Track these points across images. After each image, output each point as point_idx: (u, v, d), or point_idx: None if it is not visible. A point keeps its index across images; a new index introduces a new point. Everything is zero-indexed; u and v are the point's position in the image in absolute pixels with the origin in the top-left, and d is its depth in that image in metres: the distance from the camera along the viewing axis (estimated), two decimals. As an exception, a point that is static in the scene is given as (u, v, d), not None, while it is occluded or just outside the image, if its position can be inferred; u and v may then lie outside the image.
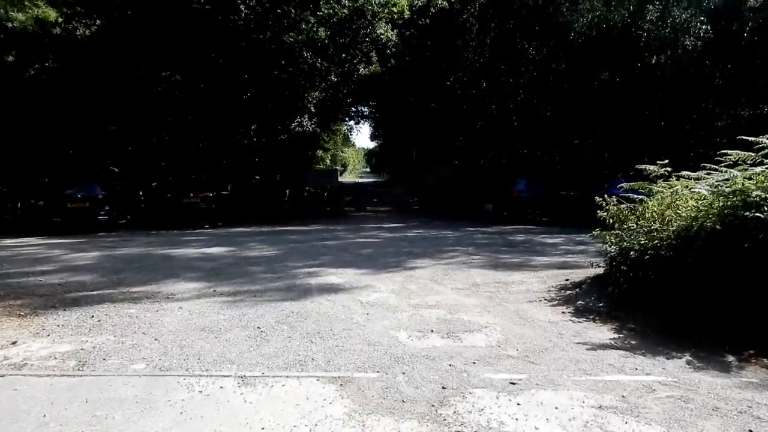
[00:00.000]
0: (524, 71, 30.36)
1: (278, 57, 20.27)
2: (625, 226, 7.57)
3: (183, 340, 5.84)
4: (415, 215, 27.14)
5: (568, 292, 8.13)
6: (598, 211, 8.12)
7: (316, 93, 21.17)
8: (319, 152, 73.67)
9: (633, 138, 24.02)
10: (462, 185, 37.27)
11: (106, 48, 21.65)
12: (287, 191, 28.26)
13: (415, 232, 17.78)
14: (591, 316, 6.87)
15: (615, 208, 7.99)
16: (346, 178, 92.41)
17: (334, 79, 21.89)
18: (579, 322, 6.67)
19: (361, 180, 77.55)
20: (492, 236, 16.33)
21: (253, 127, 26.11)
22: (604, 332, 6.22)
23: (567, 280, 8.91)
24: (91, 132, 21.75)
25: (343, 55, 20.76)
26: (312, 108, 21.04)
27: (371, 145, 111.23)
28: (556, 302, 7.65)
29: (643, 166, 8.14)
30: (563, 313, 7.09)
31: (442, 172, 36.72)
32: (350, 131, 79.04)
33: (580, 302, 7.48)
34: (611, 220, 7.93)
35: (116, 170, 26.24)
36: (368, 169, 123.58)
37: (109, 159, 25.83)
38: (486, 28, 30.21)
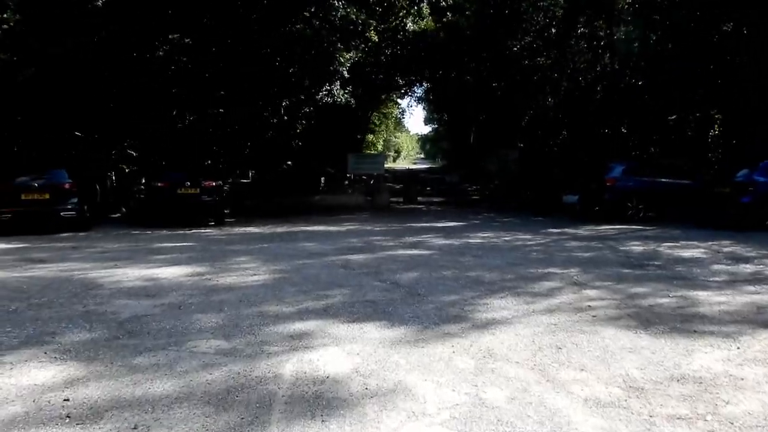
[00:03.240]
0: (608, 31, 24.82)
1: (301, 6, 15.68)
2: None
3: None
4: (475, 208, 22.17)
5: None
6: None
7: (350, 54, 16.46)
8: (370, 136, 69.37)
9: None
10: (530, 171, 32.08)
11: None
12: (322, 179, 23.78)
13: (480, 236, 12.91)
14: None
15: None
16: (400, 164, 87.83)
17: (374, 36, 17.12)
18: None
19: (414, 166, 72.58)
20: (592, 244, 11.32)
21: (284, 102, 21.67)
22: None
23: None
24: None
25: (386, 3, 15.96)
26: (345, 72, 16.32)
27: (426, 129, 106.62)
28: None
29: None
30: None
31: (505, 156, 31.52)
32: (402, 114, 74.26)
33: None
34: None
35: (134, 154, 22.30)
36: (422, 155, 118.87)
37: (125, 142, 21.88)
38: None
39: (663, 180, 16.23)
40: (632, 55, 22.34)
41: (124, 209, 18.28)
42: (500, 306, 6.36)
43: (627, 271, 8.41)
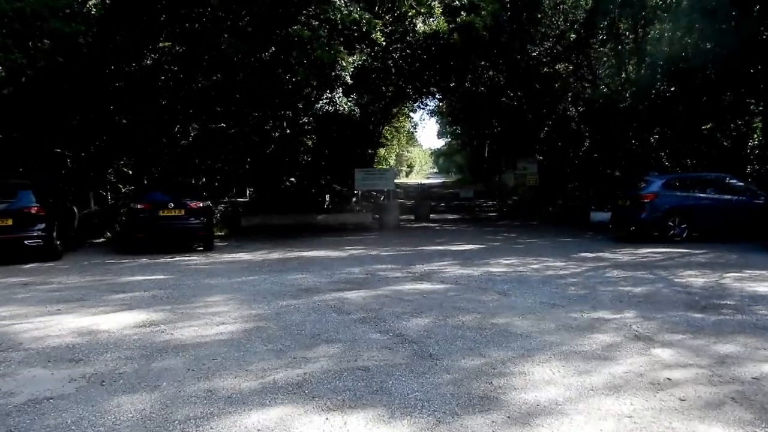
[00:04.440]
0: (635, 34, 22.99)
1: (299, 6, 14.07)
2: None
3: None
4: (493, 227, 20.32)
5: None
6: None
7: (354, 57, 14.78)
8: (382, 151, 67.62)
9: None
10: (550, 186, 30.23)
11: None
12: (327, 196, 22.08)
13: (502, 263, 11.09)
14: None
15: None
16: (413, 178, 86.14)
17: (380, 39, 15.45)
18: None
19: (427, 181, 70.73)
20: (639, 275, 9.46)
21: (287, 113, 20.05)
22: None
23: None
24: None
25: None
26: (348, 78, 14.63)
27: (439, 143, 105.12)
28: None
29: None
30: None
31: (523, 169, 29.71)
32: (414, 128, 72.63)
33: None
34: None
35: (129, 172, 20.76)
36: (435, 170, 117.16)
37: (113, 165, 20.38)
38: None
39: (711, 196, 14.29)
40: (664, 59, 20.46)
41: (109, 234, 16.68)
42: (543, 378, 4.57)
43: (698, 315, 6.57)
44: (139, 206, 13.27)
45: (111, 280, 9.58)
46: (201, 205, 13.71)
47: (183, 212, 13.42)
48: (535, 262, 11.12)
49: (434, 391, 4.32)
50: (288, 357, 5.18)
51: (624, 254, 12.16)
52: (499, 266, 10.54)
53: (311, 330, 6.12)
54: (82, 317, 6.80)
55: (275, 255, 12.83)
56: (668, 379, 4.52)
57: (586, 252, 12.56)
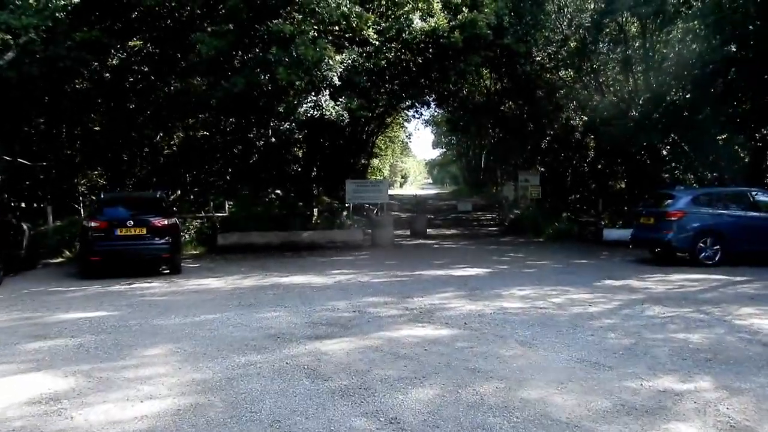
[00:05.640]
0: (657, 34, 21.42)
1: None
2: None
3: None
4: (496, 245, 18.58)
5: None
6: None
7: (343, 56, 13.09)
8: (375, 161, 65.96)
9: None
10: (554, 199, 28.58)
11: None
12: (315, 210, 20.30)
13: (517, 294, 9.33)
14: None
15: None
16: (407, 189, 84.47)
17: (373, 36, 13.78)
18: None
19: (422, 192, 69.00)
20: (685, 313, 7.74)
21: (271, 122, 18.37)
22: None
23: None
24: None
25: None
26: (336, 79, 12.92)
27: (434, 154, 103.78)
28: None
29: None
30: None
31: (524, 181, 28.04)
32: (409, 138, 71.08)
33: None
34: None
35: (104, 183, 18.98)
36: (430, 180, 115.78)
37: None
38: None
39: (747, 214, 12.59)
40: (681, 63, 18.91)
41: (68, 253, 14.88)
42: None
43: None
44: (92, 224, 11.45)
45: (39, 319, 7.79)
46: (166, 222, 11.90)
47: (144, 231, 11.60)
48: (554, 293, 9.38)
49: None
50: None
51: (655, 282, 10.46)
52: (514, 300, 8.80)
53: (271, 410, 4.37)
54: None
55: (249, 282, 11.04)
56: None
57: (609, 279, 10.84)
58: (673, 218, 12.65)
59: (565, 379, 5.01)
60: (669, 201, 13.14)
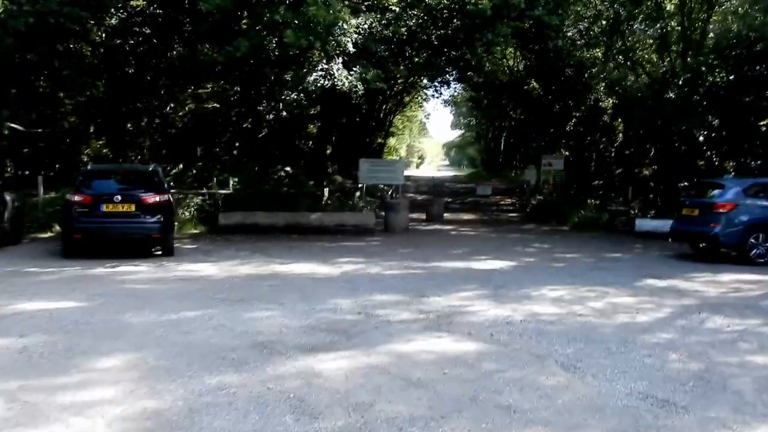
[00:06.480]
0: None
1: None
2: None
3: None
4: (519, 233, 17.32)
5: None
6: None
7: (359, 20, 11.77)
8: (392, 141, 64.55)
9: None
10: (579, 184, 27.24)
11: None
12: (326, 190, 19.09)
13: (549, 296, 8.09)
14: None
15: None
16: (423, 170, 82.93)
17: (393, 1, 12.45)
18: None
19: (438, 173, 67.43)
20: (753, 324, 6.48)
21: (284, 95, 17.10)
22: None
23: None
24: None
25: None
26: (350, 46, 11.63)
27: (452, 135, 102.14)
28: None
29: None
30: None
31: (548, 165, 26.67)
32: (427, 117, 69.47)
33: None
34: None
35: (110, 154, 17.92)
36: (447, 162, 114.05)
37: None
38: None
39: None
40: (727, 42, 17.36)
41: (57, 227, 13.85)
42: None
43: None
44: (75, 198, 10.36)
45: (-6, 310, 6.70)
46: (158, 199, 10.76)
47: (133, 208, 10.50)
48: (591, 294, 8.15)
49: None
50: None
51: (704, 283, 9.19)
52: (546, 303, 7.56)
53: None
54: None
55: (246, 269, 9.91)
56: None
57: (651, 278, 9.56)
58: (721, 210, 11.32)
59: (630, 427, 3.79)
60: (717, 191, 11.80)
